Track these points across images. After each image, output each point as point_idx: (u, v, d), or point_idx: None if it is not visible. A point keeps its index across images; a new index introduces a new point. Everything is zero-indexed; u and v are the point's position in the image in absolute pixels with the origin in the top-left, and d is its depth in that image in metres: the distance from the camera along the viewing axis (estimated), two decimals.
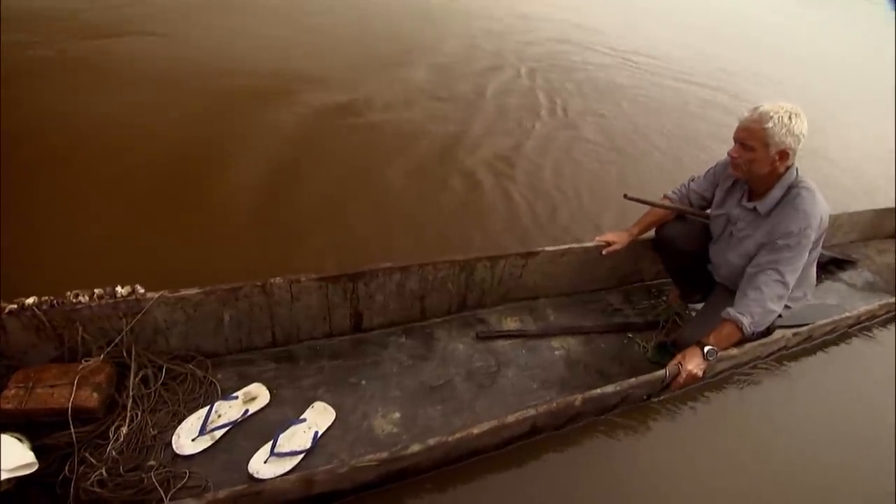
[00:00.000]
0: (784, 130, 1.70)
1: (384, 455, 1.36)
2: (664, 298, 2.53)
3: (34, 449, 1.38)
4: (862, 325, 2.61)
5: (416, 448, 1.39)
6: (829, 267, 3.03)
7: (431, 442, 1.41)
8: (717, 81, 6.08)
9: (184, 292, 1.66)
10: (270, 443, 1.60)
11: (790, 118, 1.70)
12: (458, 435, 1.44)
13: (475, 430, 1.47)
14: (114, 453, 1.47)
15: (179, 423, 1.62)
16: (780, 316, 1.91)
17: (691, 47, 7.19)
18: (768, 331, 2.05)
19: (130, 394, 1.60)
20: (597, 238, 2.29)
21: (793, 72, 7.28)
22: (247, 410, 1.69)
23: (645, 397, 1.94)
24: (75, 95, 3.34)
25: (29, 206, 2.43)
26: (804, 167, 1.84)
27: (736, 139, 1.81)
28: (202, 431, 1.60)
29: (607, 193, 3.46)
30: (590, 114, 4.62)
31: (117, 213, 2.52)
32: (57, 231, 2.34)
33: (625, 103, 4.99)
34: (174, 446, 1.56)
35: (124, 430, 1.53)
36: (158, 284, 1.67)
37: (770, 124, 1.70)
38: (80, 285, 1.59)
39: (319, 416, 1.72)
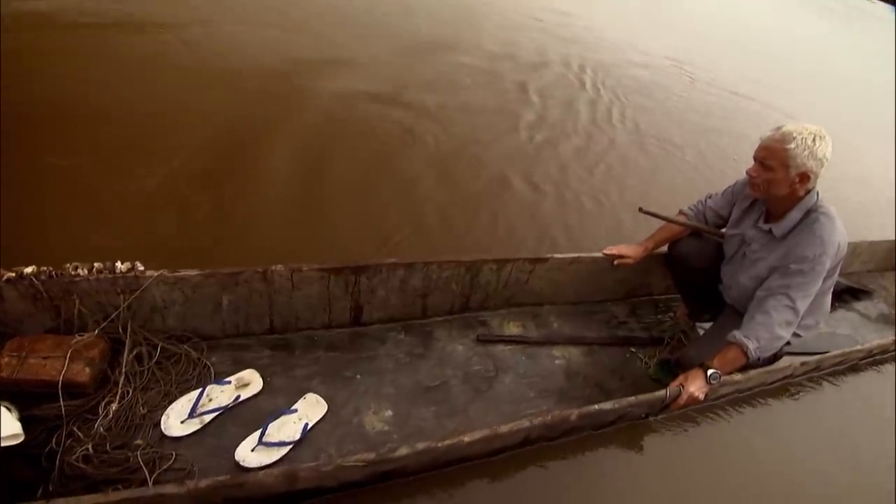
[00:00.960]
0: (806, 152, 1.64)
1: (371, 456, 1.34)
2: (671, 314, 2.49)
3: (22, 419, 1.38)
4: (873, 359, 2.54)
5: (404, 451, 1.36)
6: (844, 296, 2.95)
7: (420, 446, 1.39)
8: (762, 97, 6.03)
9: (183, 273, 1.64)
10: (259, 431, 1.58)
11: (814, 140, 1.64)
12: (448, 442, 1.41)
13: (466, 438, 1.44)
14: (101, 430, 1.45)
15: (170, 403, 1.60)
16: (788, 343, 1.86)
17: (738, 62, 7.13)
18: (775, 357, 2.00)
19: (123, 370, 1.59)
20: (608, 249, 2.23)
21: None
22: (238, 396, 1.67)
23: (643, 416, 1.90)
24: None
25: (37, 178, 2.42)
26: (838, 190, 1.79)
27: (756, 158, 1.76)
28: (192, 414, 1.58)
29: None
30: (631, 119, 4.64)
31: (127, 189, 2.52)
32: (62, 204, 2.34)
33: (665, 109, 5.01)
34: (163, 427, 1.54)
35: (114, 406, 1.52)
36: (159, 264, 1.66)
37: (792, 145, 1.64)
38: (82, 258, 1.59)
39: (311, 408, 1.69)
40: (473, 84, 4.51)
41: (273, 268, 1.74)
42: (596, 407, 1.64)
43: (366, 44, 4.67)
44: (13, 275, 1.46)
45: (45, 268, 1.50)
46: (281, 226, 2.56)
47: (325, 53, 4.30)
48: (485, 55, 5.15)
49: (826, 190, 1.79)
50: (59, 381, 1.44)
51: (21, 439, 1.32)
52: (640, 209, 2.07)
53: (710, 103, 5.60)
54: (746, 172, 1.80)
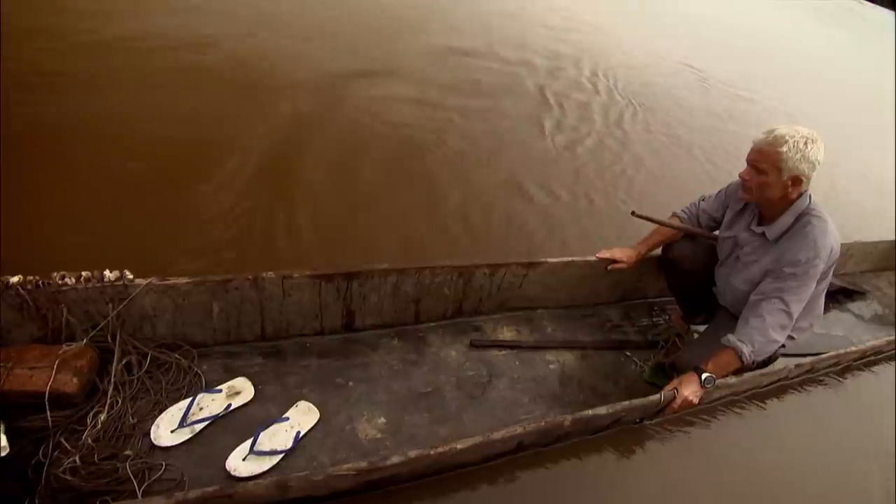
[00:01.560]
0: (798, 156, 1.64)
1: (363, 465, 1.32)
2: (666, 317, 2.48)
3: (8, 431, 1.36)
4: (868, 360, 2.54)
5: (396, 460, 1.35)
6: (838, 296, 2.96)
7: (413, 454, 1.37)
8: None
9: (173, 281, 1.63)
10: (251, 440, 1.56)
11: (806, 143, 1.64)
12: (440, 449, 1.40)
13: (459, 445, 1.42)
14: (90, 440, 1.43)
15: (160, 413, 1.58)
16: (782, 346, 1.85)
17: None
18: (770, 360, 2.00)
19: (112, 380, 1.57)
20: (602, 252, 2.21)
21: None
22: (229, 405, 1.65)
23: (638, 420, 1.89)
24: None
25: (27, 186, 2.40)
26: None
27: (748, 161, 1.76)
28: (182, 423, 1.56)
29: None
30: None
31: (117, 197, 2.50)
32: (54, 213, 2.31)
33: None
34: (152, 437, 1.52)
35: (103, 416, 1.49)
36: (147, 270, 1.64)
37: (784, 148, 1.64)
38: (72, 268, 1.57)
39: (303, 416, 1.68)
40: (484, 86, 4.52)
41: (264, 275, 1.72)
42: (590, 412, 1.63)
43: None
44: None
45: (31, 277, 1.48)
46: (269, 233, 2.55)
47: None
48: (497, 59, 5.14)
49: (825, 190, 1.79)
50: (46, 392, 1.42)
51: (6, 452, 1.30)
52: (633, 213, 2.06)
53: (723, 106, 5.61)
54: (739, 176, 1.80)
